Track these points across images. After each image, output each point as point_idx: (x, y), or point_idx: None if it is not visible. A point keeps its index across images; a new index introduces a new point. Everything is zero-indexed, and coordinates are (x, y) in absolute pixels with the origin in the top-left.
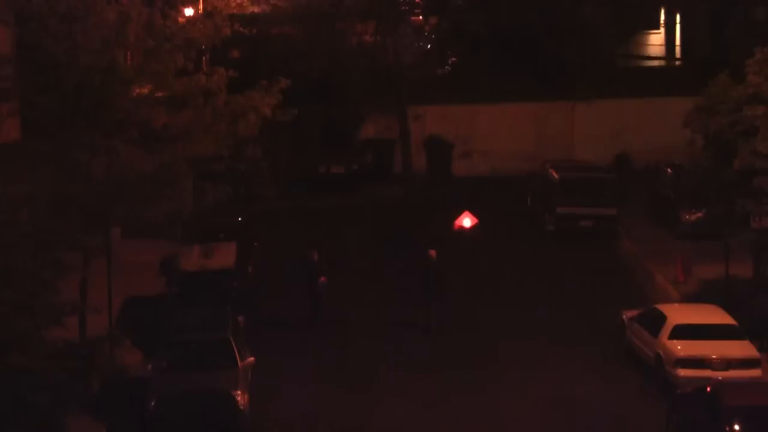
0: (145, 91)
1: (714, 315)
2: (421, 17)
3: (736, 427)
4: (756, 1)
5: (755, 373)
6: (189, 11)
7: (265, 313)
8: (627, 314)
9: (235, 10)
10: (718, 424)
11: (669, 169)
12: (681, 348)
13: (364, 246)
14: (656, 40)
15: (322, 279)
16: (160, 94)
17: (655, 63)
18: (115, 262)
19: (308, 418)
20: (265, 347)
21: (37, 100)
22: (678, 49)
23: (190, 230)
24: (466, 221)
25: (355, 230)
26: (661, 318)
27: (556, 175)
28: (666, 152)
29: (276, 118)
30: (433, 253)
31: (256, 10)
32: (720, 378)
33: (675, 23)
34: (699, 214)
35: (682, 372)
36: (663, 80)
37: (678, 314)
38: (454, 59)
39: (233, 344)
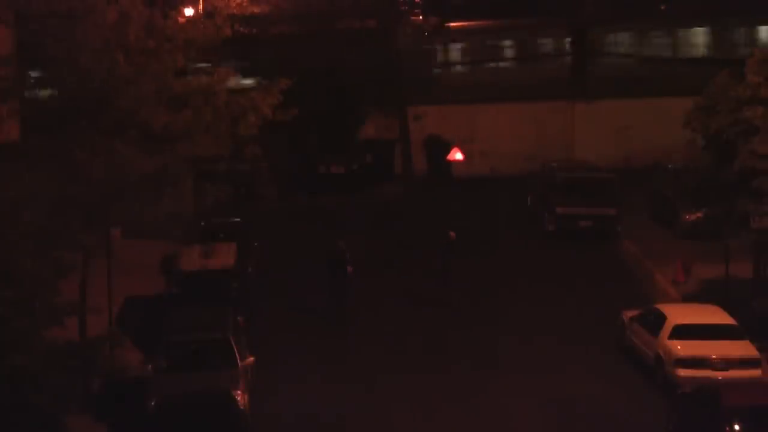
0: (146, 91)
1: (714, 315)
2: (421, 17)
3: (736, 427)
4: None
5: (755, 373)
6: (189, 11)
7: (266, 313)
8: (627, 314)
9: (235, 10)
10: (718, 424)
11: (669, 169)
12: (681, 348)
13: (367, 244)
14: (658, 39)
15: (349, 269)
16: (160, 94)
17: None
18: (115, 262)
19: (308, 418)
20: (265, 347)
21: (37, 100)
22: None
23: (191, 230)
24: (458, 155)
25: (357, 229)
26: (661, 318)
27: (556, 175)
28: (666, 152)
29: (276, 118)
30: (452, 234)
31: (256, 11)
32: (720, 378)
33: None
34: (699, 214)
35: (682, 372)
36: (663, 80)
37: (678, 314)
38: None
39: (233, 344)
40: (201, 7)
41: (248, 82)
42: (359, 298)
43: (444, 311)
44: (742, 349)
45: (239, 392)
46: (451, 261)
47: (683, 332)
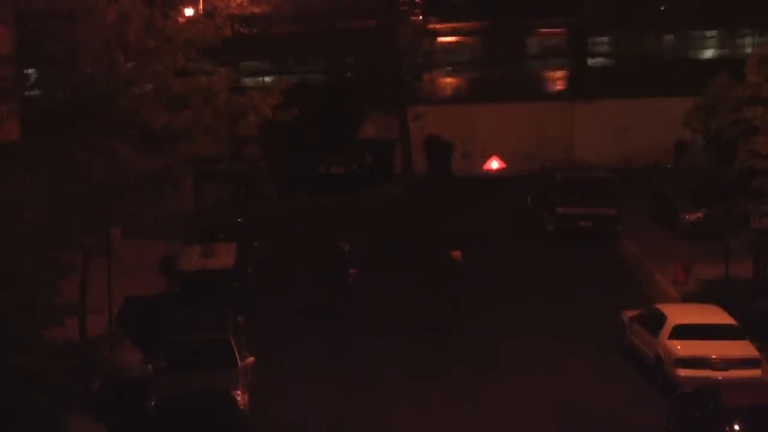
0: (146, 91)
1: (714, 315)
2: (421, 17)
3: (736, 427)
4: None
5: (755, 373)
6: (189, 11)
7: (265, 313)
8: (627, 314)
9: (235, 10)
10: (718, 424)
11: (669, 169)
12: (681, 348)
13: (367, 244)
14: (658, 39)
15: (352, 271)
16: (160, 94)
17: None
18: (115, 262)
19: (308, 418)
20: (265, 347)
21: (37, 100)
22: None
23: (191, 230)
24: (494, 164)
25: (357, 230)
26: (661, 318)
27: (556, 175)
28: (666, 152)
29: (276, 118)
30: (457, 253)
31: (256, 11)
32: (720, 378)
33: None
34: (699, 214)
35: (682, 372)
36: (663, 80)
37: (678, 314)
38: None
39: (233, 344)
40: (201, 7)
41: (249, 81)
42: (359, 299)
43: (444, 311)
44: (742, 349)
45: (239, 392)
46: (459, 288)
47: (683, 332)
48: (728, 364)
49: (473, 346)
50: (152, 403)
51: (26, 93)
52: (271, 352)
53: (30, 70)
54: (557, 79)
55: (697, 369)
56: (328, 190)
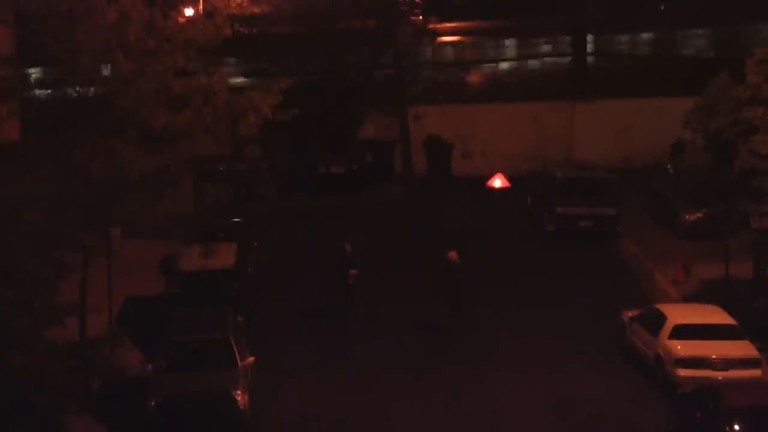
0: (146, 91)
1: (714, 315)
2: (421, 17)
3: (736, 427)
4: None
5: (755, 373)
6: (189, 11)
7: (266, 312)
8: (627, 314)
9: (235, 10)
10: (718, 424)
11: (669, 169)
12: (681, 348)
13: (367, 244)
14: (658, 39)
15: (353, 272)
16: (160, 94)
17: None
18: (115, 262)
19: (308, 418)
20: (265, 347)
21: (37, 100)
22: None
23: (191, 230)
24: (497, 182)
25: (357, 230)
26: (661, 318)
27: (556, 175)
28: (666, 152)
29: (276, 118)
30: (454, 254)
31: (256, 11)
32: (720, 378)
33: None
34: (699, 214)
35: (682, 372)
36: (663, 80)
37: (678, 314)
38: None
39: (233, 344)
40: (201, 7)
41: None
42: (359, 299)
43: (444, 311)
44: (742, 349)
45: (239, 392)
46: (458, 288)
47: (683, 332)
48: (728, 364)
49: (473, 346)
50: (152, 403)
51: (26, 93)
52: (271, 352)
53: (30, 70)
54: (557, 79)
55: (697, 369)
56: (328, 190)
